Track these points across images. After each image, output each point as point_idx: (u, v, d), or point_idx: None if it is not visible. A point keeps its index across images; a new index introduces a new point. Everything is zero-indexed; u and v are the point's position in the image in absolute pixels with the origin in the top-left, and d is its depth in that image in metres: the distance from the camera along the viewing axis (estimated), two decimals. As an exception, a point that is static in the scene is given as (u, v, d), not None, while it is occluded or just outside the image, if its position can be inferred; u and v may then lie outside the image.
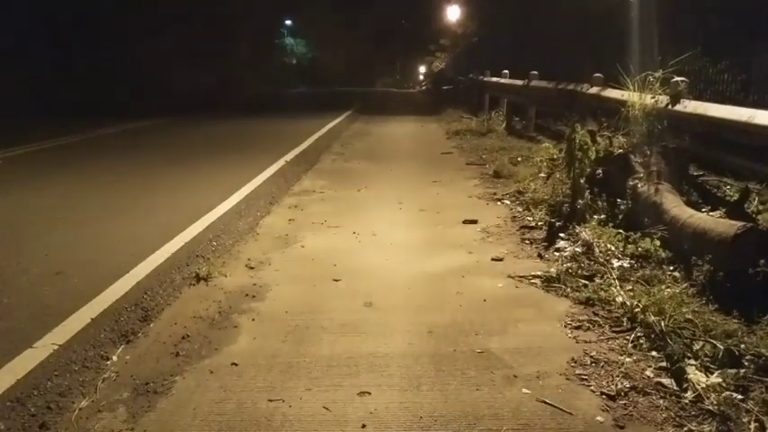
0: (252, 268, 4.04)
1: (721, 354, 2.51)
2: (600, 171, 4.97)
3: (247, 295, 3.56)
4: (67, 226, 5.10)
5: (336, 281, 3.79)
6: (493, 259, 4.13)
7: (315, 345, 2.92)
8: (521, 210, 5.40)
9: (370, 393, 2.46)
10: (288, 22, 52.63)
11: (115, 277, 3.68)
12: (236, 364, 2.73)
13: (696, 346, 2.62)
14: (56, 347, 2.79)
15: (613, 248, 3.86)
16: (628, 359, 2.67)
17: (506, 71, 12.49)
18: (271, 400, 2.43)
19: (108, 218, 5.33)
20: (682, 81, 4.91)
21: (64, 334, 2.93)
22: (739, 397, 2.27)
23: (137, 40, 21.08)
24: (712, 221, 3.51)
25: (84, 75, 18.53)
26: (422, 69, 48.58)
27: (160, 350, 2.89)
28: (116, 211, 5.58)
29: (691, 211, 3.79)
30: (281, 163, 7.98)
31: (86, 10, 19.71)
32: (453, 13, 27.20)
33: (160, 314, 3.31)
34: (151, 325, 3.18)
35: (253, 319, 3.23)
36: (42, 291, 3.58)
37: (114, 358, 2.80)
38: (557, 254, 4.08)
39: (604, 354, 2.74)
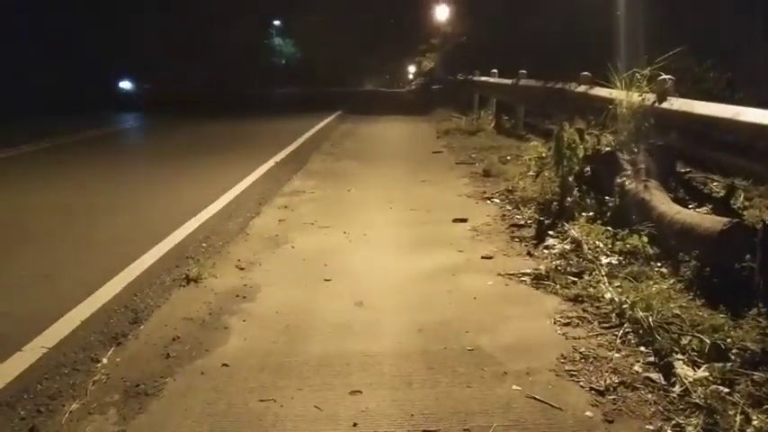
0: (242, 269, 4.03)
1: (708, 348, 2.54)
2: (588, 169, 5.00)
3: (238, 296, 3.55)
4: (55, 228, 5.07)
5: (327, 281, 3.79)
6: (483, 257, 4.15)
7: (306, 344, 2.92)
8: (510, 208, 5.42)
9: (361, 392, 2.47)
10: (276, 23, 52.57)
11: (104, 279, 3.66)
12: (226, 365, 2.72)
13: (684, 341, 2.64)
14: (45, 350, 2.78)
15: (602, 245, 3.89)
16: (616, 355, 2.70)
17: (495, 70, 12.53)
18: (262, 401, 2.43)
19: (96, 220, 5.30)
20: (668, 79, 4.94)
21: (53, 337, 2.92)
22: (726, 390, 2.29)
23: (118, 39, 20.91)
24: (699, 217, 3.55)
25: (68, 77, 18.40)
26: (411, 69, 48.66)
27: (150, 352, 2.87)
28: (104, 212, 5.55)
29: (678, 207, 3.83)
30: (270, 164, 7.97)
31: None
32: (442, 13, 27.27)
33: (150, 316, 3.29)
34: (141, 327, 3.16)
35: (243, 320, 3.22)
36: (31, 293, 3.55)
37: (104, 360, 2.79)
38: (546, 251, 4.10)
39: (593, 349, 2.76)
